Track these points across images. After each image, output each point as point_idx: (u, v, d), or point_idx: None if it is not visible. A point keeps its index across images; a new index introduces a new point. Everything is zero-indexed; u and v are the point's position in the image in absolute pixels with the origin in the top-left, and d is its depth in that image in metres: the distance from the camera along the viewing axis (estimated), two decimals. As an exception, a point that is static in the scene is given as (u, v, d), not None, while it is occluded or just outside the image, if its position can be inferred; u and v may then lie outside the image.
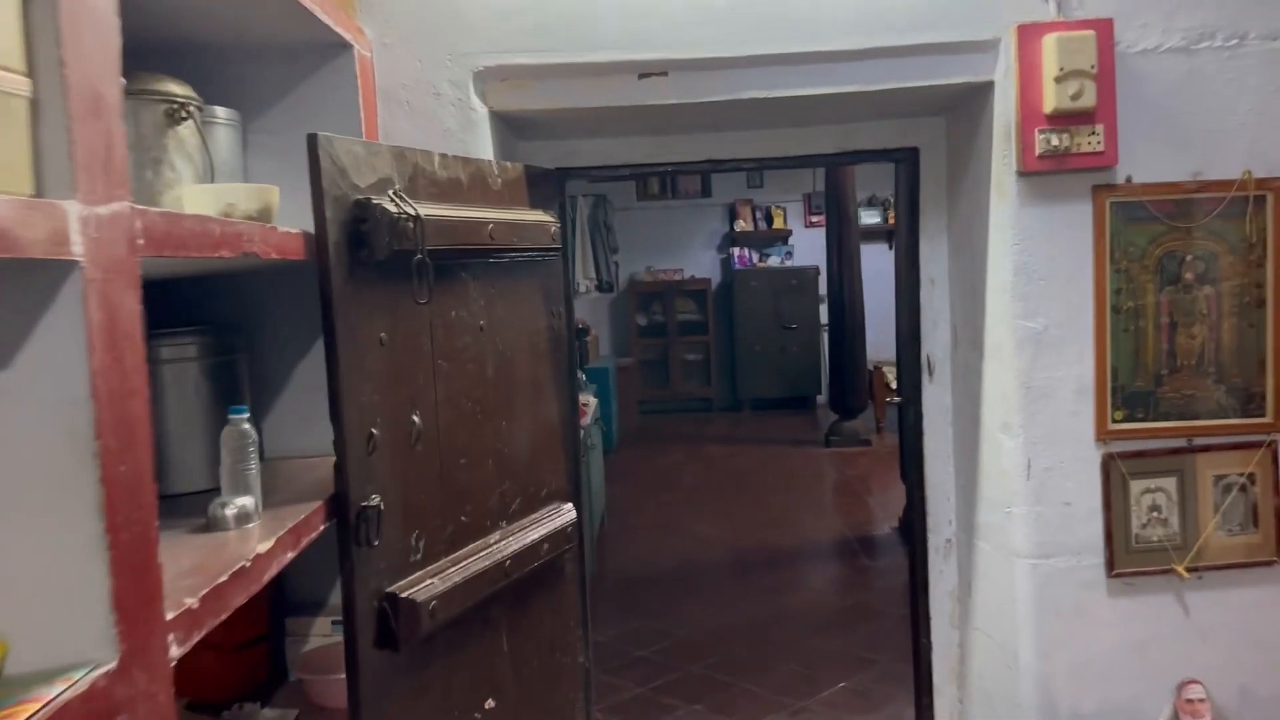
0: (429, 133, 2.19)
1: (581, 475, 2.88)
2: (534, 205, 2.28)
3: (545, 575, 2.26)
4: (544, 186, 2.33)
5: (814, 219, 9.83)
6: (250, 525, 1.53)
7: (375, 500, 1.71)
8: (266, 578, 1.42)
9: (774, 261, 9.62)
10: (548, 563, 2.23)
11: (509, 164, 2.21)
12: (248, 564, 1.34)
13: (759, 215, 9.77)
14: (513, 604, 2.14)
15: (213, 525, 1.51)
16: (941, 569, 2.65)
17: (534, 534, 2.19)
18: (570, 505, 2.36)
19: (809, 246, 9.69)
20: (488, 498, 2.07)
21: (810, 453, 7.59)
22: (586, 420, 4.91)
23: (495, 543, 2.05)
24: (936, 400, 2.70)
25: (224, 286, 2.10)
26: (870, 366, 7.99)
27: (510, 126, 2.48)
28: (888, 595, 4.32)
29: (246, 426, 1.58)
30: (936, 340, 2.69)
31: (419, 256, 1.75)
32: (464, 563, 1.93)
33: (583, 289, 9.62)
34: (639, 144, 2.65)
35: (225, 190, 1.64)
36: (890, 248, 9.86)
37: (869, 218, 9.49)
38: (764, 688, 3.39)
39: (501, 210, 2.11)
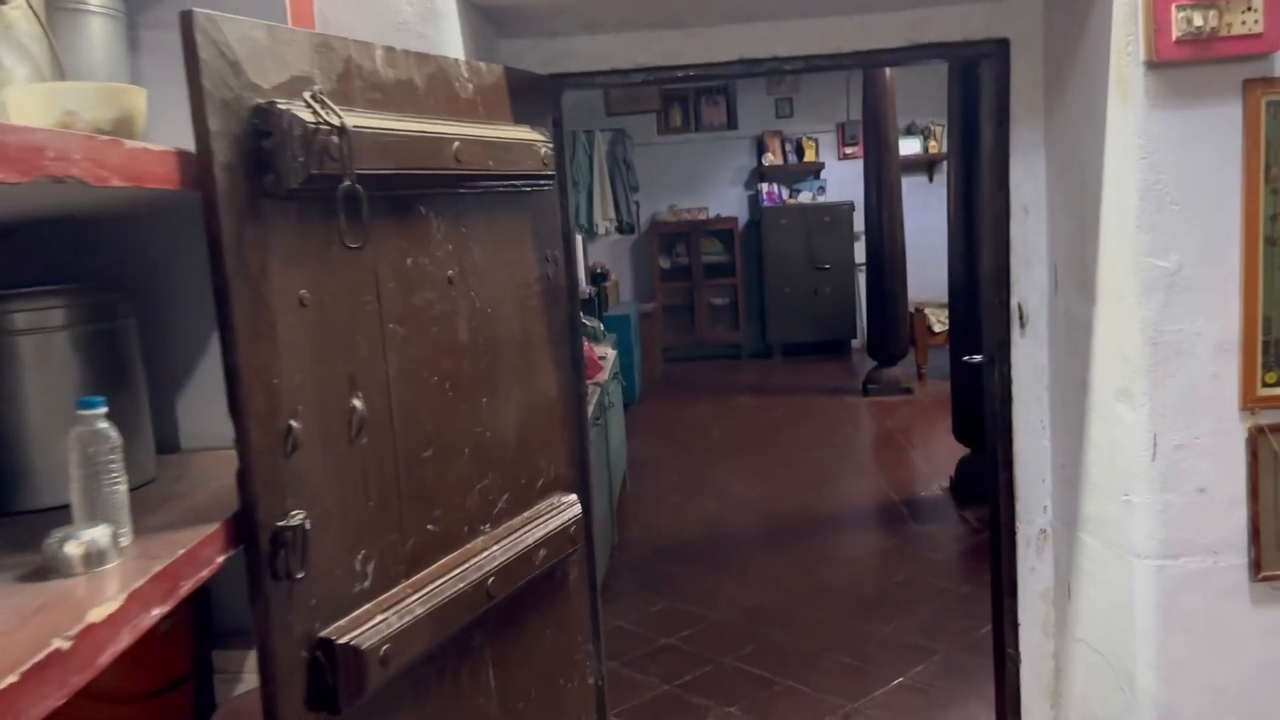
0: (379, 25, 1.69)
1: (589, 456, 2.42)
2: (518, 120, 1.79)
3: (543, 588, 1.81)
4: (532, 96, 1.83)
5: (848, 150, 9.22)
6: (106, 566, 1.08)
7: (298, 518, 1.26)
8: (110, 654, 0.97)
9: (805, 197, 9.04)
10: (546, 572, 1.79)
11: (484, 65, 1.71)
12: (65, 645, 0.89)
13: (789, 148, 9.16)
14: (500, 628, 1.69)
15: (50, 568, 1.07)
16: (1034, 566, 2.18)
17: (528, 538, 1.74)
18: (574, 497, 1.91)
19: (843, 180, 9.09)
20: (464, 497, 1.62)
21: (847, 402, 7.10)
22: (604, 375, 4.45)
23: (476, 555, 1.61)
24: (1029, 358, 2.20)
25: (116, 235, 1.63)
26: (911, 309, 7.46)
27: (487, 18, 1.98)
28: (943, 570, 3.87)
29: (102, 427, 1.13)
30: (1030, 283, 2.18)
31: (347, 184, 1.27)
32: (431, 586, 1.49)
33: (602, 230, 9.12)
34: (653, 40, 2.13)
35: (62, 92, 1.16)
36: (930, 180, 9.26)
37: (908, 147, 8.85)
38: (808, 685, 2.96)
39: (473, 125, 1.62)
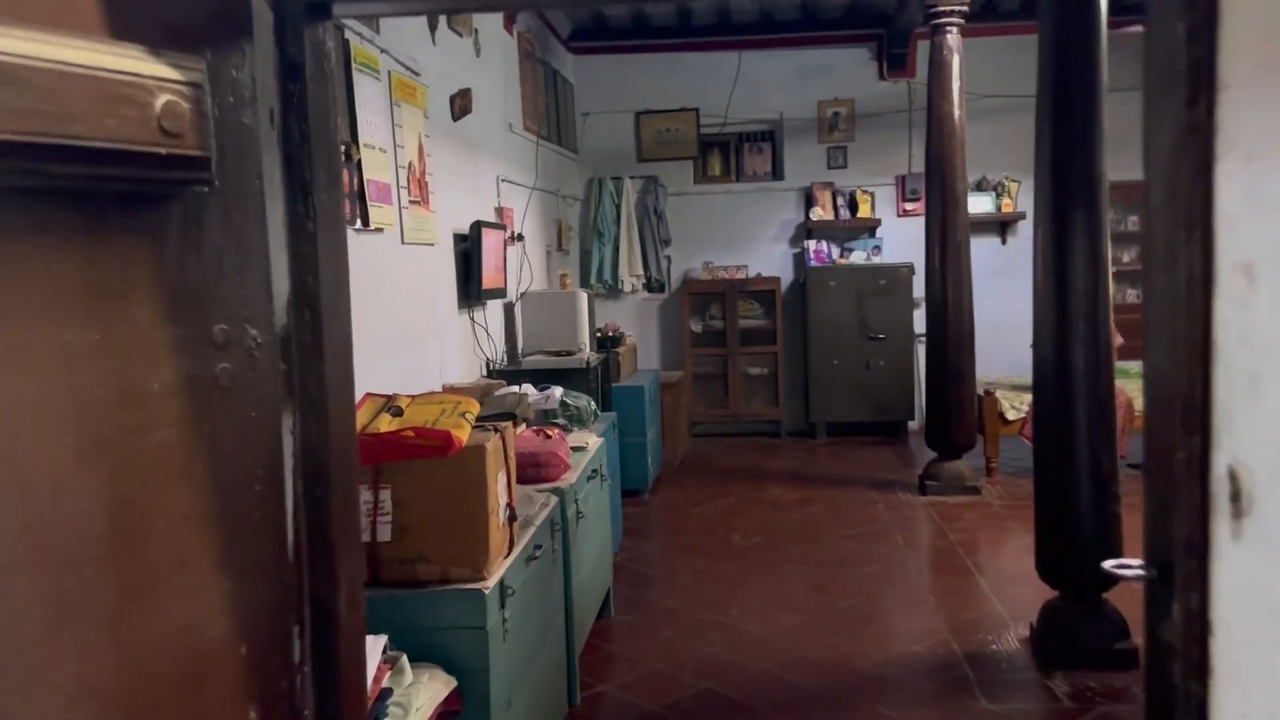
0: None
1: None
2: (125, 32, 0.77)
3: None
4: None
5: (908, 206, 8.13)
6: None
7: None
8: None
9: (858, 257, 7.96)
10: None
11: None
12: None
13: (841, 202, 8.11)
14: None
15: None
16: None
17: None
18: None
19: (902, 239, 8.00)
20: None
21: (901, 501, 5.92)
22: (570, 477, 3.38)
23: None
24: (1252, 581, 1.07)
25: None
26: (979, 390, 6.29)
27: None
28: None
29: None
30: (1258, 425, 1.06)
31: None
32: None
33: (628, 288, 8.13)
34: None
35: None
36: (1004, 241, 8.12)
37: (978, 205, 7.76)
38: None
39: None
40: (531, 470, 3.33)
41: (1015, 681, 3.45)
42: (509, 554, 2.50)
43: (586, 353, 5.50)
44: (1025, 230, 8.06)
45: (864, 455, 7.30)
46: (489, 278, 4.93)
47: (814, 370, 7.86)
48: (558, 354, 5.44)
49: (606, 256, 8.16)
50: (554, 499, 3.12)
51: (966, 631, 3.87)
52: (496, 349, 5.35)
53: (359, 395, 2.57)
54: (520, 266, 5.89)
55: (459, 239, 4.81)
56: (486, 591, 2.27)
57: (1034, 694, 3.36)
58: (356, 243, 3.54)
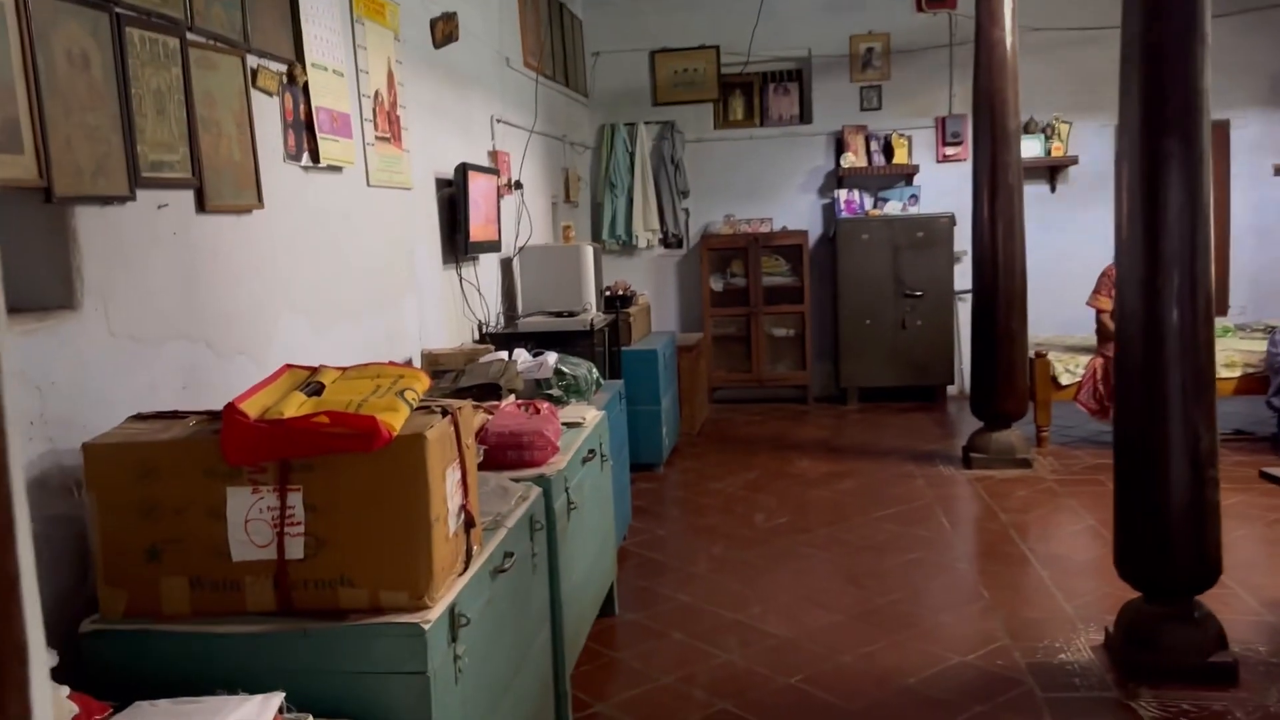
0: None
1: None
2: None
3: None
4: None
5: (949, 151, 7.46)
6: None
7: None
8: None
9: (894, 208, 7.31)
10: None
11: None
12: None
13: (875, 147, 7.44)
14: None
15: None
16: None
17: None
18: None
19: (942, 188, 7.34)
20: None
21: (943, 476, 5.34)
22: (558, 462, 2.83)
23: None
24: None
25: None
26: (1030, 352, 5.67)
27: None
28: None
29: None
30: None
31: None
32: None
33: (643, 243, 7.54)
34: None
35: None
36: (1053, 189, 7.44)
37: (1025, 149, 7.04)
38: None
39: None
40: (513, 454, 2.79)
41: (1091, 702, 2.88)
42: (465, 569, 1.96)
43: (592, 314, 4.93)
44: (1077, 176, 7.38)
45: (899, 423, 6.71)
46: (479, 229, 4.36)
47: (844, 331, 7.25)
48: (559, 315, 4.88)
49: (620, 209, 7.56)
50: (536, 490, 2.57)
51: (1028, 636, 3.31)
52: (489, 310, 4.79)
53: (278, 367, 2.03)
54: (518, 218, 5.32)
55: (443, 184, 4.24)
56: (427, 626, 1.73)
57: (1114, 717, 2.80)
58: (304, 182, 2.98)
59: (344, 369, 2.03)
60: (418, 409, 1.90)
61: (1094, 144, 7.33)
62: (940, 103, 7.44)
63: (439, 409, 1.91)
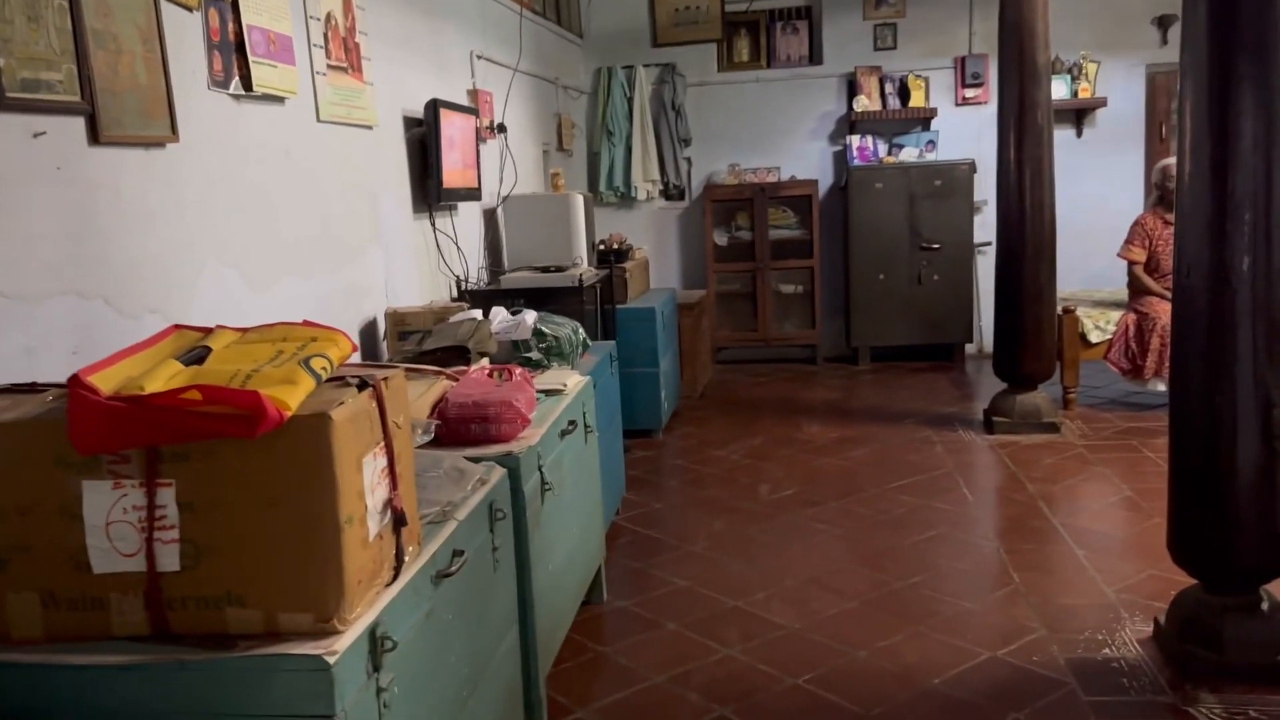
0: None
1: None
2: None
3: None
4: None
5: (969, 94, 6.97)
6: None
7: None
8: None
9: (910, 154, 6.84)
10: None
11: None
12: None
13: (890, 89, 6.95)
14: None
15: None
16: None
17: None
18: None
19: (961, 133, 6.88)
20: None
21: (963, 442, 4.96)
22: (531, 436, 2.44)
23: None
24: None
25: None
26: (1058, 309, 5.25)
27: None
28: None
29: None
30: None
31: None
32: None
33: (643, 195, 7.11)
34: None
35: None
36: (1080, 134, 6.96)
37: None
38: None
39: None
40: (477, 428, 2.40)
41: (1143, 707, 2.51)
42: (393, 578, 1.58)
43: (582, 268, 4.52)
44: (1104, 120, 6.89)
45: (914, 384, 6.31)
46: (454, 174, 3.94)
47: (856, 287, 6.83)
48: (546, 270, 4.47)
49: (618, 159, 7.11)
50: (499, 471, 2.19)
51: (1066, 627, 2.93)
52: (469, 265, 4.38)
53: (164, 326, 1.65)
54: (501, 164, 4.89)
55: (411, 123, 3.82)
56: (334, 659, 1.36)
57: (1173, 727, 2.44)
58: (234, 113, 2.57)
59: (244, 330, 1.64)
60: (329, 380, 1.51)
61: (1124, 86, 6.84)
62: (960, 41, 6.93)
63: (355, 380, 1.52)
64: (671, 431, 5.37)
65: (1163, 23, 6.74)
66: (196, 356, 1.49)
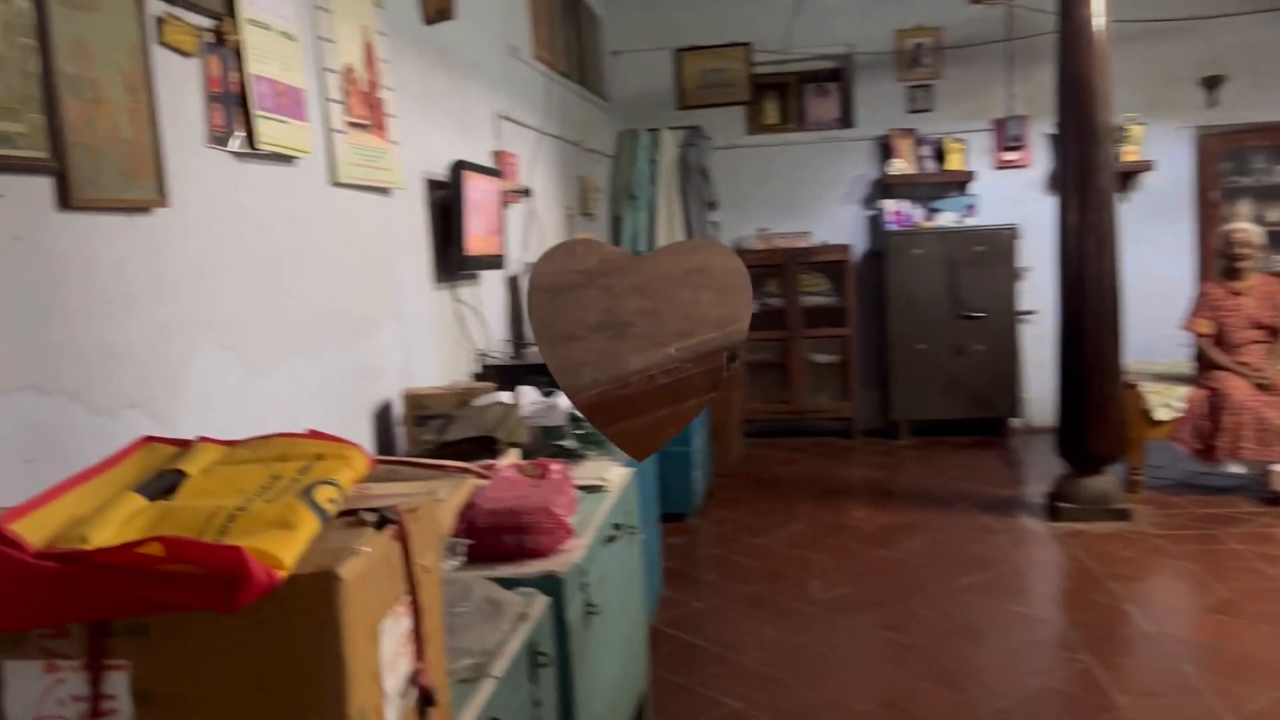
0: None
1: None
2: None
3: None
4: None
5: (1009, 156, 6.68)
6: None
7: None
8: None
9: (948, 219, 6.54)
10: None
11: None
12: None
13: (925, 152, 6.67)
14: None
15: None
16: None
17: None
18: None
19: (1001, 197, 6.58)
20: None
21: (1028, 530, 4.55)
22: (577, 548, 2.06)
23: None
24: None
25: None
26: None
27: None
28: None
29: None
30: None
31: None
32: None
33: (667, 261, 6.74)
34: None
35: None
36: (1126, 199, 6.65)
37: (1097, 152, 6.28)
38: None
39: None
40: (510, 539, 2.03)
41: None
42: (418, 778, 1.19)
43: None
44: (1150, 184, 6.59)
45: (961, 462, 5.90)
46: (478, 240, 3.62)
47: (894, 357, 6.47)
48: (575, 343, 4.11)
49: (641, 223, 6.81)
50: (541, 601, 1.80)
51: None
52: (492, 338, 4.04)
53: (187, 424, 1.29)
54: (528, 230, 4.58)
55: (433, 187, 3.51)
56: None
57: None
58: (235, 174, 2.25)
59: (232, 445, 1.28)
60: (340, 516, 1.15)
61: (1170, 149, 6.55)
62: (998, 103, 6.67)
63: (373, 517, 1.15)
64: (705, 515, 4.97)
65: (1210, 84, 6.47)
66: (165, 487, 1.13)
